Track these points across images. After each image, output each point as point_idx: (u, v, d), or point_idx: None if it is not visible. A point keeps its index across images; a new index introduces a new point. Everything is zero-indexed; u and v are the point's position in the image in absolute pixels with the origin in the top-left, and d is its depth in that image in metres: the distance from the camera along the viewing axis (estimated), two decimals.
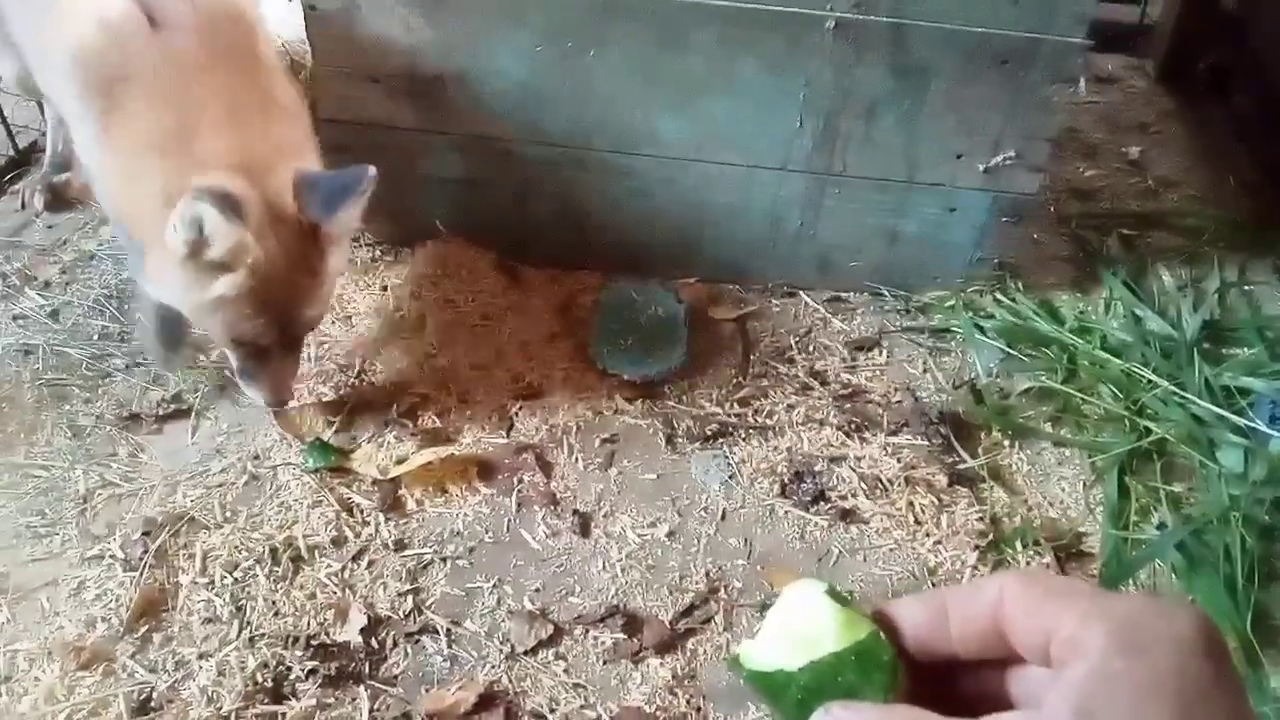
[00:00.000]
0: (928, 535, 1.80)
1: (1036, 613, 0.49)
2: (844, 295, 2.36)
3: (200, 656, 1.54)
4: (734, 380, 2.10)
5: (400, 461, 1.83)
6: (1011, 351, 2.19)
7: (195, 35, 1.60)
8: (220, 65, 1.61)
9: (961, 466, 1.93)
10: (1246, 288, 2.43)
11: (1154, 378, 2.06)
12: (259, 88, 1.67)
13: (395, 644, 1.59)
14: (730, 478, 1.90)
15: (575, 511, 1.81)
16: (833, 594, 0.55)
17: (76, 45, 1.60)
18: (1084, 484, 1.94)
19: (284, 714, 1.47)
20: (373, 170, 1.59)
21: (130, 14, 1.58)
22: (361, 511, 1.78)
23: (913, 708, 0.50)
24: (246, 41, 1.70)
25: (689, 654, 1.62)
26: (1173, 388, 2.04)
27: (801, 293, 2.36)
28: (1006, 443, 2.01)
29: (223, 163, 1.52)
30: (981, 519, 1.83)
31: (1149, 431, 1.98)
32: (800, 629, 0.54)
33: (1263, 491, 1.85)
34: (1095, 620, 0.46)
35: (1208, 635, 0.45)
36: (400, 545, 1.73)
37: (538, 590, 1.69)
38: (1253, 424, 1.96)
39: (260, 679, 1.50)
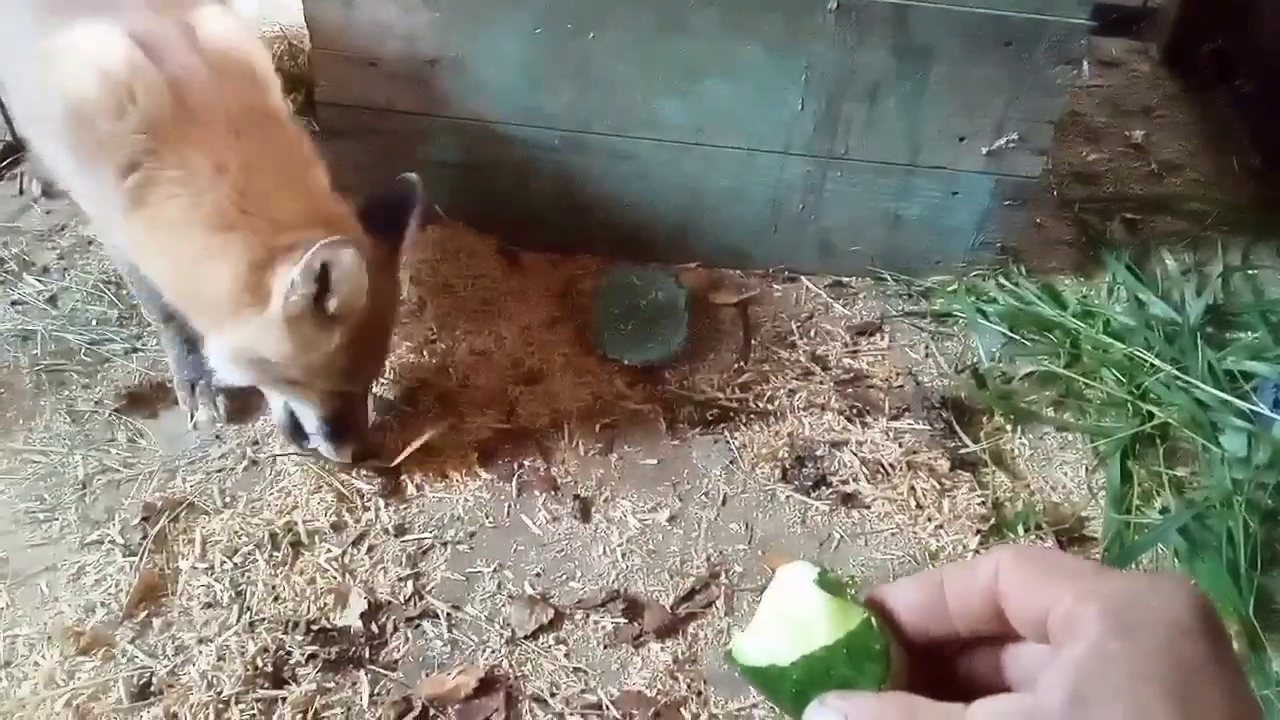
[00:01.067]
0: (929, 520, 1.80)
1: (1033, 590, 0.48)
2: (845, 280, 2.35)
3: (200, 641, 1.54)
4: (735, 365, 2.09)
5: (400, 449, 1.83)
6: (1014, 336, 2.18)
7: (214, 91, 1.46)
8: (247, 123, 1.48)
9: (963, 451, 1.93)
10: (1250, 272, 2.42)
11: (1157, 362, 2.06)
12: (289, 140, 1.56)
13: (395, 629, 1.59)
14: (731, 462, 1.89)
15: (576, 496, 1.81)
16: (823, 581, 0.54)
17: (73, 100, 1.41)
18: (1086, 468, 1.93)
19: (284, 698, 1.47)
20: (417, 179, 1.60)
21: (137, 66, 1.40)
22: (361, 496, 1.77)
23: (907, 695, 0.49)
24: (262, 95, 1.56)
25: (690, 638, 1.61)
26: (1176, 372, 2.03)
27: (803, 277, 2.35)
28: (1009, 427, 2.00)
29: (306, 222, 1.46)
30: (983, 503, 1.82)
31: (1152, 416, 1.97)
32: (792, 620, 0.53)
33: (1266, 475, 1.85)
34: (1092, 599, 0.45)
35: (1204, 614, 0.45)
36: (400, 530, 1.73)
37: (538, 575, 1.69)
38: (1256, 408, 1.95)
39: (260, 663, 1.50)
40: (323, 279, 1.43)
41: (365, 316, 1.53)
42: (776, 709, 0.54)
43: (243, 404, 1.92)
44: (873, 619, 0.52)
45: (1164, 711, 0.42)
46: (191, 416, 1.89)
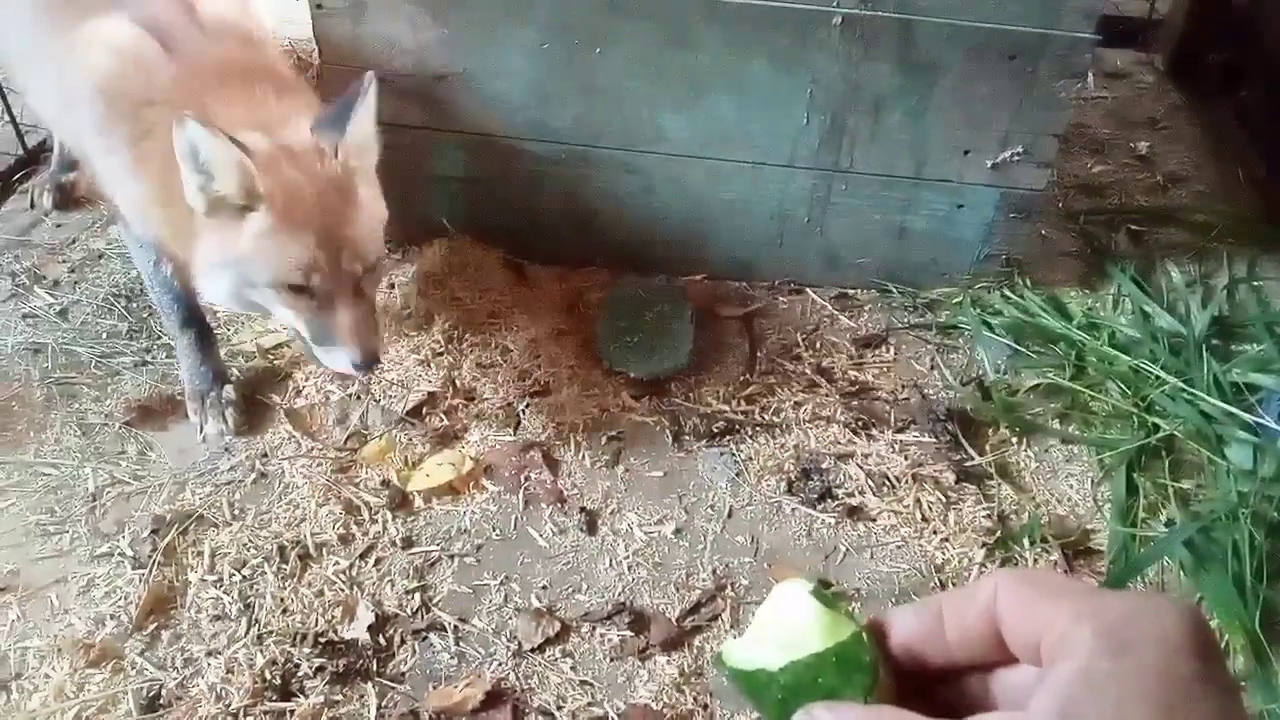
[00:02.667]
0: (935, 532, 1.80)
1: (1029, 611, 0.48)
2: (851, 292, 2.36)
3: (209, 654, 1.55)
4: (741, 378, 2.10)
5: (415, 465, 1.85)
6: (1019, 348, 2.18)
7: (209, 56, 1.65)
8: (236, 78, 1.64)
9: (969, 464, 1.93)
10: (1256, 284, 2.42)
11: (1162, 374, 2.06)
12: (273, 88, 1.67)
13: (403, 641, 1.60)
14: (737, 475, 1.90)
15: (582, 509, 1.82)
16: (818, 594, 0.54)
17: (98, 76, 1.63)
18: (1092, 481, 1.93)
19: (292, 711, 1.48)
20: (370, 74, 1.59)
21: (141, 39, 1.63)
22: (369, 509, 1.78)
23: (895, 708, 0.49)
24: (258, 58, 1.73)
25: (696, 651, 1.62)
26: (1181, 384, 2.03)
27: (808, 290, 2.35)
28: (1014, 440, 2.01)
29: (235, 126, 1.52)
30: (989, 516, 1.82)
31: (1157, 428, 1.97)
32: (783, 629, 0.54)
33: (1272, 488, 1.84)
34: (1085, 619, 0.46)
35: (1196, 632, 0.45)
36: (408, 543, 1.74)
37: (545, 588, 1.70)
38: (1262, 420, 1.95)
39: (269, 676, 1.51)
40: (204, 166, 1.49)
41: (285, 197, 1.53)
42: None
43: (252, 417, 1.94)
44: (864, 634, 0.52)
45: None
46: (201, 429, 1.91)
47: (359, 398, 1.98)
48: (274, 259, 1.56)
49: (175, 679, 1.52)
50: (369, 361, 1.65)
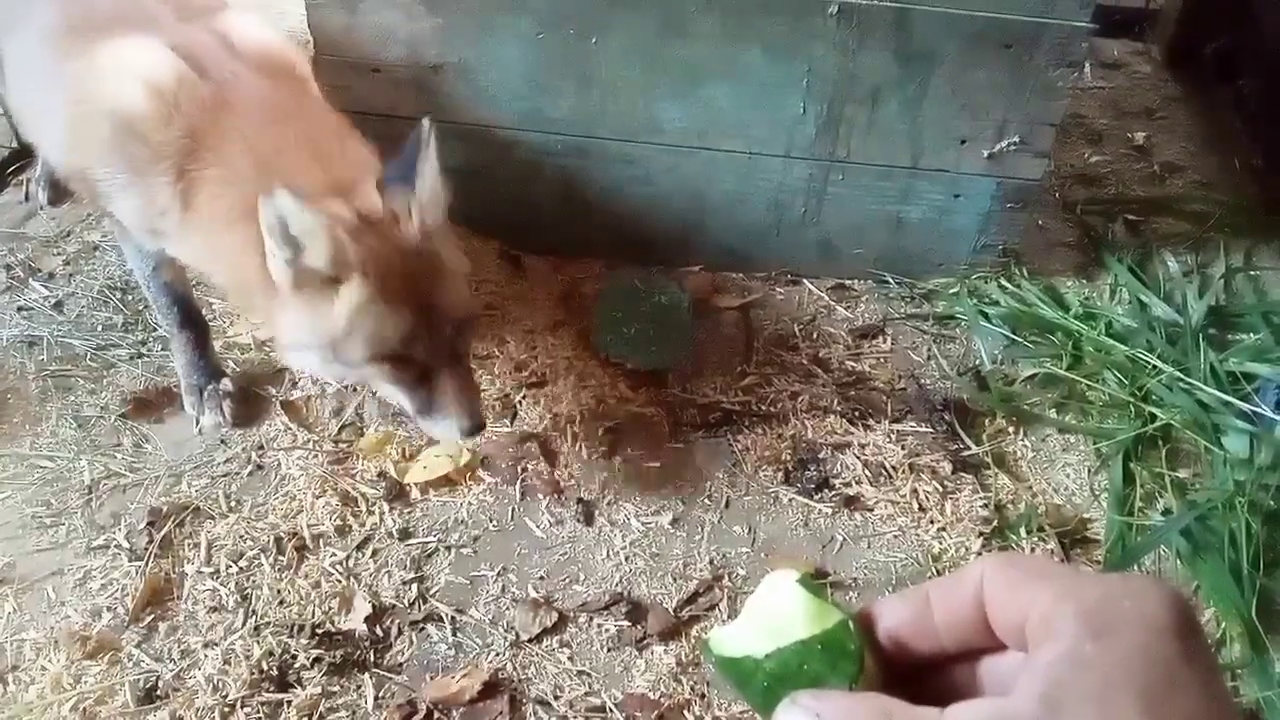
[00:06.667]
0: (932, 522, 1.80)
1: (1014, 594, 0.48)
2: (848, 283, 2.36)
3: (206, 645, 1.55)
4: (737, 368, 2.10)
5: (412, 457, 1.85)
6: (1016, 338, 2.18)
7: (254, 92, 1.53)
8: (290, 123, 1.53)
9: (966, 453, 1.93)
10: (1253, 273, 2.42)
11: (1159, 363, 2.06)
12: (322, 126, 1.58)
13: (400, 632, 1.60)
14: (734, 465, 1.90)
15: (579, 500, 1.81)
16: (805, 583, 0.54)
17: (123, 114, 1.49)
18: (1089, 470, 1.93)
19: (289, 702, 1.48)
20: (426, 121, 1.48)
21: (184, 77, 1.49)
22: (366, 501, 1.78)
23: (881, 696, 0.49)
24: (300, 88, 1.63)
25: (693, 641, 1.62)
26: (1178, 373, 2.03)
27: (805, 280, 2.35)
28: (1011, 429, 2.01)
29: (314, 193, 1.42)
30: (986, 505, 1.83)
31: (1154, 418, 1.97)
32: (770, 617, 0.53)
33: (1268, 477, 1.84)
34: (1068, 602, 0.46)
35: (1178, 614, 0.45)
36: (405, 534, 1.74)
37: (542, 578, 1.70)
38: (1258, 409, 1.95)
39: (266, 667, 1.51)
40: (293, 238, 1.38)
41: (376, 266, 1.43)
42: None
43: (248, 409, 1.93)
44: (850, 623, 0.52)
45: (1134, 715, 0.42)
46: (198, 421, 1.91)
47: (356, 390, 1.97)
48: (373, 332, 1.47)
49: (172, 670, 1.52)
50: (475, 428, 1.60)
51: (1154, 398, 2.02)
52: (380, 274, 1.44)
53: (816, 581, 0.52)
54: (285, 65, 1.64)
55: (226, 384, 1.93)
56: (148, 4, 1.63)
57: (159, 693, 1.49)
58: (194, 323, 1.92)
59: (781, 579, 0.55)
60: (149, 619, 1.59)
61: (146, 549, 1.67)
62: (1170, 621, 0.44)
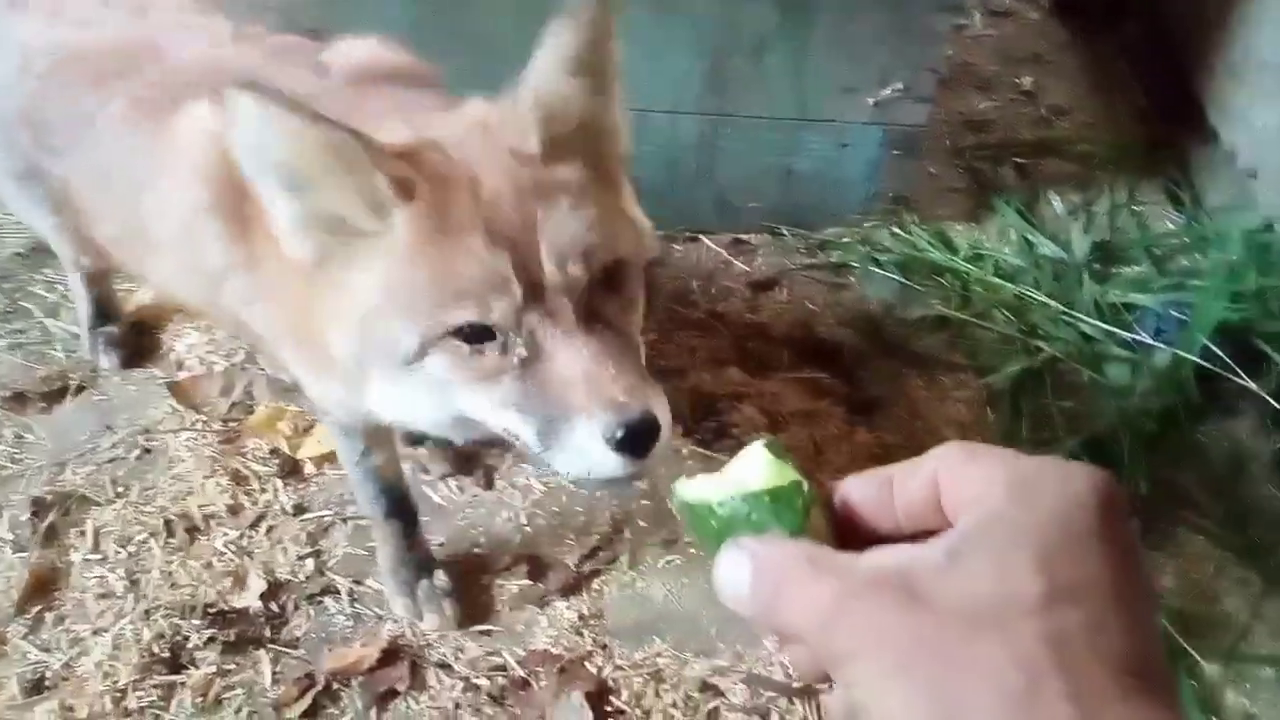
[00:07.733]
0: (829, 463, 1.83)
1: (961, 474, 0.52)
2: (744, 237, 2.37)
3: (95, 632, 1.52)
4: None
5: (305, 431, 1.82)
6: (908, 283, 2.22)
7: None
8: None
9: (860, 397, 1.96)
10: (1136, 208, 2.48)
11: (1045, 299, 2.11)
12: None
13: (296, 607, 1.58)
14: None
15: (481, 465, 1.80)
16: (772, 447, 0.59)
17: (211, 173, 1.16)
18: (979, 405, 1.98)
19: (182, 683, 1.46)
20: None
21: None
22: (259, 478, 1.75)
23: (811, 544, 0.53)
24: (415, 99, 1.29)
25: (595, 594, 1.63)
26: (1062, 308, 2.09)
27: (703, 236, 2.36)
28: (904, 371, 2.04)
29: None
30: (880, 445, 1.86)
31: (1039, 350, 2.03)
32: (734, 472, 0.59)
33: (1150, 402, 1.91)
34: (999, 476, 0.49)
35: (1103, 494, 0.48)
36: (299, 509, 1.71)
37: (442, 544, 1.69)
38: (1139, 337, 2.02)
39: (157, 650, 1.49)
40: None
41: (439, 193, 0.99)
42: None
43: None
44: (805, 485, 0.57)
45: (1028, 571, 0.45)
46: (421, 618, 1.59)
47: (244, 368, 1.93)
48: (422, 288, 0.99)
49: (61, 660, 1.49)
50: (635, 426, 0.95)
51: (1040, 332, 2.07)
52: (446, 200, 0.99)
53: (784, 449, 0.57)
54: (398, 66, 1.41)
55: (441, 578, 1.60)
56: None
57: (47, 683, 1.47)
58: (403, 514, 1.59)
59: (753, 446, 0.60)
60: (35, 610, 1.55)
61: (31, 540, 1.63)
62: (1092, 500, 0.47)
